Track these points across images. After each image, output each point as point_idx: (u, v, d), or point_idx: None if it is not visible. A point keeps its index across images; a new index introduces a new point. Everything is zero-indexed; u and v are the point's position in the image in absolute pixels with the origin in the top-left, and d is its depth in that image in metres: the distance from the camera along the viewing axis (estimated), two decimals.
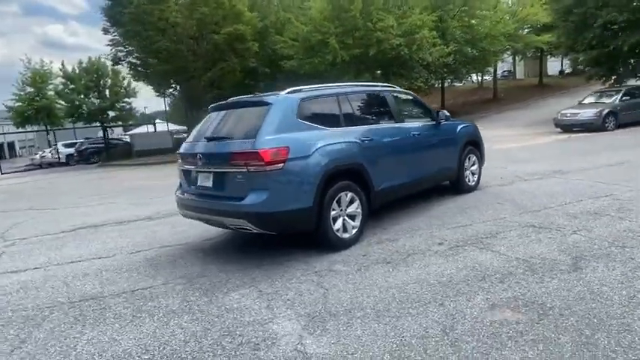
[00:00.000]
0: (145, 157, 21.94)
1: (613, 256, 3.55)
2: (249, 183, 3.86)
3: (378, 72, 21.90)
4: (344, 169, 4.35)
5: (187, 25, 19.45)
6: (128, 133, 36.98)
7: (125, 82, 38.03)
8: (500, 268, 3.51)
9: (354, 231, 4.49)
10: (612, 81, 17.41)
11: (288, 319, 3.00)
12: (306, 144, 4.09)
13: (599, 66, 17.23)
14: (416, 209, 5.74)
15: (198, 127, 4.89)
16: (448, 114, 6.06)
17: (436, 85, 28.42)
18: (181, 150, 4.76)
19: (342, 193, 4.35)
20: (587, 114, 13.74)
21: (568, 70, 42.28)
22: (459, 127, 6.30)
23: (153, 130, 25.95)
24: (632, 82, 17.13)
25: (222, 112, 4.65)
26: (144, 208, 7.94)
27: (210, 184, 4.25)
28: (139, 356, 2.71)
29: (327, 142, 4.24)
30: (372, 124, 5.01)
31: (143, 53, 19.03)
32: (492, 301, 2.97)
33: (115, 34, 21.01)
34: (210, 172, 4.23)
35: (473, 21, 25.36)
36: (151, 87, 26.99)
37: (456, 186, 6.36)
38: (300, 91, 4.50)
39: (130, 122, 38.48)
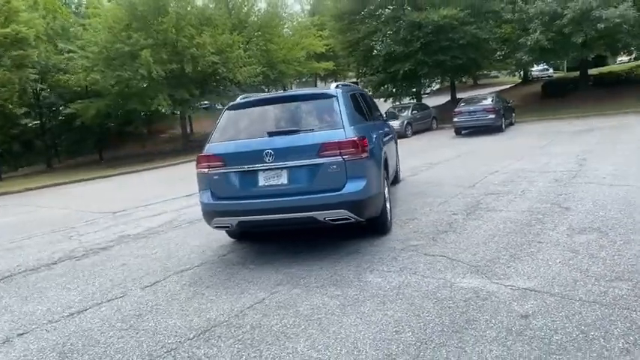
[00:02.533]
0: None
1: (571, 198, 5.26)
2: (345, 172, 3.90)
3: (197, 91, 21.41)
4: (385, 158, 4.81)
5: None
6: None
7: None
8: (530, 217, 4.72)
9: (389, 215, 4.95)
10: (392, 99, 22.32)
11: (461, 278, 3.36)
12: (370, 134, 4.39)
13: (384, 87, 21.86)
14: None
15: (224, 127, 4.40)
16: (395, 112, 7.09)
17: None
18: (218, 151, 4.19)
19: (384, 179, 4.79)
20: (394, 124, 17.29)
21: None
22: (391, 125, 7.44)
23: None
24: (406, 100, 22.40)
25: (262, 108, 4.41)
26: (34, 249, 6.00)
27: (284, 180, 3.98)
28: (410, 343, 2.63)
29: (375, 133, 4.63)
30: (374, 119, 5.57)
31: None
32: (564, 232, 4.09)
33: None
34: (284, 168, 3.97)
35: (270, 46, 27.60)
36: None
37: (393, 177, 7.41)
38: (338, 86, 4.68)
39: None
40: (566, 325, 2.53)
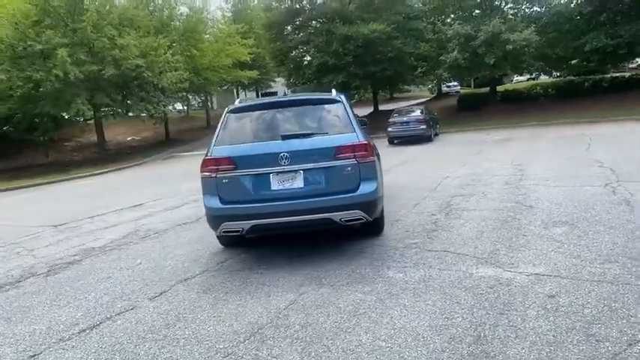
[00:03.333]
0: None
1: (529, 198, 5.97)
2: (359, 174, 4.07)
3: (119, 96, 19.97)
4: None
5: None
6: None
7: None
8: (503, 215, 5.28)
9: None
10: None
11: (476, 269, 3.70)
12: (369, 138, 4.61)
13: None
14: None
15: (229, 130, 4.32)
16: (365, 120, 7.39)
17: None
18: (228, 154, 4.09)
19: None
20: None
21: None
22: None
23: None
24: None
25: (268, 112, 4.43)
26: None
27: (299, 183, 4.02)
28: (463, 331, 2.86)
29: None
30: None
31: None
32: (540, 226, 4.67)
33: None
34: (299, 170, 4.01)
35: (194, 52, 26.66)
36: None
37: None
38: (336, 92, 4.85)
39: None
40: (589, 300, 2.96)
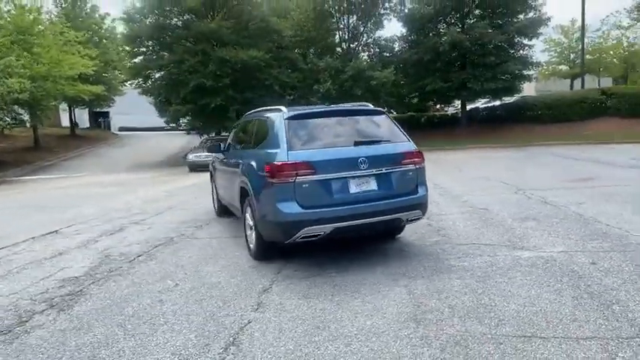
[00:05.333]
0: None
1: (476, 204, 7.33)
2: (417, 178, 4.61)
3: None
4: None
5: None
6: None
7: None
8: (475, 215, 6.43)
9: None
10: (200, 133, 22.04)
11: (516, 252, 4.60)
12: None
13: (187, 119, 21.48)
14: None
15: (294, 136, 4.33)
16: None
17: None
18: (306, 159, 4.12)
19: None
20: (211, 157, 17.43)
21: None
22: None
23: None
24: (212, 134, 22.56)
25: (325, 120, 4.67)
26: None
27: (374, 186, 4.32)
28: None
29: None
30: None
31: None
32: (515, 222, 5.92)
33: None
34: (372, 174, 4.32)
35: (26, 53, 22.33)
36: None
37: None
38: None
39: None
40: (619, 263, 4.10)
